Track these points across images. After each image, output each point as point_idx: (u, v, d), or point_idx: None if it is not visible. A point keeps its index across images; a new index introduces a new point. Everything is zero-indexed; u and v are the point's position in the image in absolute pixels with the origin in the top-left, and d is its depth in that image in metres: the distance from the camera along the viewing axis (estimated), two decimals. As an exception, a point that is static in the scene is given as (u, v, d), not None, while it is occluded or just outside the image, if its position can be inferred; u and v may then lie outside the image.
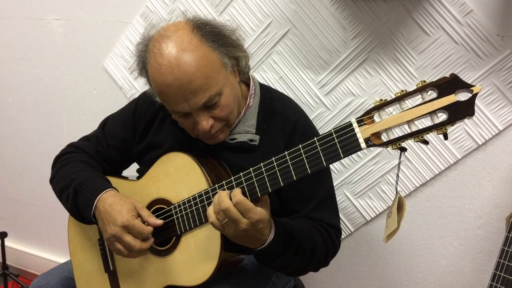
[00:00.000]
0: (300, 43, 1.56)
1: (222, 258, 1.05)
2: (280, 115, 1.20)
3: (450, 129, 0.76)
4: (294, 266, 1.08)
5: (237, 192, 0.95)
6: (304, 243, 1.06)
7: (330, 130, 0.86)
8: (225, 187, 1.02)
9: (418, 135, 0.78)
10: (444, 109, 0.75)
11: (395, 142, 0.80)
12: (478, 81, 1.37)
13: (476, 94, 0.73)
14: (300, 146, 0.90)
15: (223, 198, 0.94)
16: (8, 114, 2.30)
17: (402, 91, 0.79)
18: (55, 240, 2.39)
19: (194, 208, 1.08)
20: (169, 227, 1.14)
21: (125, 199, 1.14)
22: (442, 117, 0.76)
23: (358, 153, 1.57)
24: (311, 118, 1.34)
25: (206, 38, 1.04)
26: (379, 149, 1.53)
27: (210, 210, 0.97)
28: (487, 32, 1.33)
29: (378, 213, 1.59)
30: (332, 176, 1.30)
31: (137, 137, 1.31)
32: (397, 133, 0.82)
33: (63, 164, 1.30)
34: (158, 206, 1.17)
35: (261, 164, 0.96)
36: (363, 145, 0.83)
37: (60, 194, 1.26)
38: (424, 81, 0.77)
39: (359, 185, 1.59)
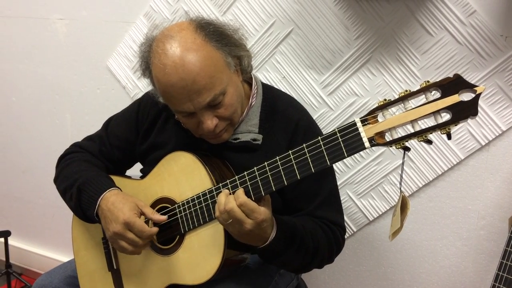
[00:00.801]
0: (303, 43, 1.56)
1: (226, 257, 1.05)
2: (282, 114, 1.21)
3: (453, 129, 0.76)
4: (297, 263, 1.09)
5: (240, 193, 0.96)
6: (306, 240, 1.06)
7: (334, 130, 0.86)
8: (229, 186, 1.02)
9: (422, 134, 0.78)
10: (447, 109, 0.75)
11: (399, 142, 0.81)
12: (482, 82, 1.37)
13: (480, 94, 0.73)
14: (304, 145, 0.90)
15: (228, 199, 0.96)
16: (12, 113, 2.31)
17: (406, 91, 0.79)
18: (58, 239, 2.39)
19: (198, 207, 1.09)
20: (172, 226, 1.14)
21: (128, 197, 1.14)
22: (446, 117, 0.76)
23: (361, 153, 1.57)
24: (314, 118, 1.34)
25: (209, 37, 1.05)
26: (382, 149, 1.54)
27: (216, 208, 0.99)
28: (491, 33, 1.33)
29: (380, 213, 1.59)
30: (335, 176, 1.30)
31: (140, 137, 1.32)
32: (401, 133, 0.82)
33: (67, 164, 1.30)
34: (162, 205, 1.17)
35: (265, 163, 0.96)
36: (367, 144, 0.83)
37: (64, 193, 1.27)
38: (428, 81, 0.77)
39: (362, 185, 1.59)
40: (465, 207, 1.47)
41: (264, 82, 1.31)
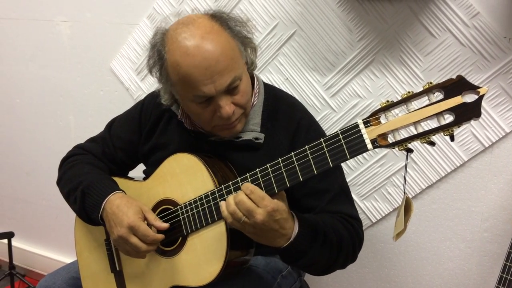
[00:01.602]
0: (306, 45, 1.56)
1: (228, 259, 1.05)
2: (284, 113, 1.21)
3: (456, 131, 0.76)
4: (323, 261, 1.06)
5: (247, 183, 0.96)
6: (329, 235, 1.04)
7: (337, 131, 0.86)
8: (231, 187, 1.02)
9: (425, 136, 0.78)
10: (450, 110, 0.75)
11: (402, 143, 0.81)
12: (485, 84, 1.36)
13: (483, 95, 0.73)
14: (306, 147, 0.90)
15: (237, 194, 0.95)
16: (15, 115, 2.32)
17: (409, 92, 0.79)
18: (61, 240, 2.40)
19: (200, 208, 1.09)
20: (175, 227, 1.14)
21: (132, 201, 1.14)
22: (449, 118, 0.76)
23: (364, 155, 1.57)
24: (316, 119, 1.34)
25: (224, 25, 1.08)
26: (385, 151, 1.53)
27: (226, 213, 0.97)
28: (494, 34, 1.32)
29: (384, 215, 1.59)
30: (343, 170, 1.29)
31: (143, 138, 1.32)
32: (404, 134, 0.82)
33: (70, 166, 1.30)
34: (165, 206, 1.18)
35: (268, 165, 0.96)
36: (369, 146, 0.83)
37: (68, 196, 1.27)
38: (431, 83, 0.77)
39: (365, 187, 1.59)
40: (469, 209, 1.46)
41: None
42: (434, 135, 0.77)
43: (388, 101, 0.81)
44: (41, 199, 2.38)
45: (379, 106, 0.83)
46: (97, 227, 1.30)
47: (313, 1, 1.51)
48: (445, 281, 1.55)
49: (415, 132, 0.79)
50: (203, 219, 1.08)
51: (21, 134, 2.33)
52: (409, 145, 0.80)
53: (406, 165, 0.84)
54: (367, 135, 0.83)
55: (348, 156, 0.86)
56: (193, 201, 1.10)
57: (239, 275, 1.17)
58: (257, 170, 0.98)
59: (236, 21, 1.12)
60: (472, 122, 0.74)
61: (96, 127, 1.45)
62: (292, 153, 0.92)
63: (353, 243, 1.10)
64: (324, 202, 1.14)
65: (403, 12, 1.40)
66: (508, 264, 1.29)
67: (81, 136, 1.44)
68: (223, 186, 1.05)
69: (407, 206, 0.90)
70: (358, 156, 1.55)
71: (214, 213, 1.06)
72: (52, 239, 2.44)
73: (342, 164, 1.57)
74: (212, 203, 1.06)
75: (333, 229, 1.06)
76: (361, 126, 0.84)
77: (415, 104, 0.80)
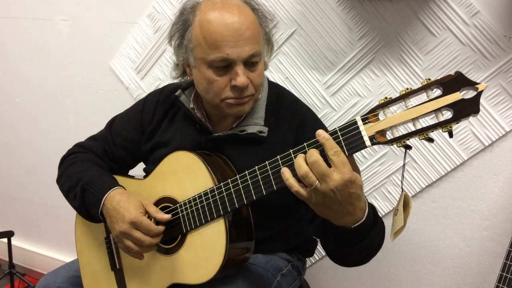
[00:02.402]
0: (306, 44, 1.56)
1: (228, 257, 1.04)
2: (287, 109, 1.22)
3: (454, 127, 0.76)
4: (375, 245, 1.01)
5: (332, 143, 0.84)
6: (377, 214, 1.00)
7: (335, 128, 0.86)
8: (231, 185, 1.02)
9: (423, 132, 0.78)
10: (449, 106, 0.75)
11: (400, 140, 0.80)
12: (485, 82, 1.36)
13: (481, 91, 0.73)
14: (305, 144, 0.90)
15: (311, 152, 0.85)
16: (15, 114, 2.32)
17: (407, 89, 0.79)
18: (61, 239, 2.40)
19: (199, 206, 1.09)
20: (174, 225, 1.14)
21: (132, 196, 1.14)
22: (447, 114, 0.76)
23: (364, 153, 1.57)
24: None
25: (255, 12, 1.12)
26: (385, 150, 1.53)
27: (291, 180, 0.88)
28: (494, 33, 1.32)
29: (383, 214, 1.59)
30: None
31: (144, 136, 1.32)
32: (402, 131, 0.82)
33: (70, 164, 1.31)
34: (164, 204, 1.18)
35: (266, 162, 0.96)
36: (367, 142, 0.83)
37: (68, 193, 1.27)
38: (429, 79, 0.77)
39: (365, 186, 1.58)
40: (469, 208, 1.46)
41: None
42: (432, 131, 0.77)
43: (386, 98, 0.81)
44: (41, 198, 2.39)
45: (378, 103, 0.83)
46: (97, 225, 1.30)
47: (313, 0, 1.51)
48: (445, 279, 1.55)
49: (414, 129, 0.79)
50: (202, 216, 1.08)
51: (21, 133, 2.33)
52: (408, 142, 0.80)
53: (404, 161, 0.84)
54: (365, 131, 0.83)
55: (347, 153, 0.85)
56: (193, 199, 1.10)
57: (238, 273, 1.17)
58: (256, 168, 0.98)
59: (265, 17, 1.15)
60: (472, 120, 0.74)
61: (96, 126, 1.45)
62: (291, 150, 0.92)
63: (384, 226, 1.05)
64: None
65: (403, 10, 1.40)
66: (508, 262, 1.29)
67: (80, 135, 1.44)
68: (222, 184, 1.05)
69: (405, 203, 0.90)
70: (358, 155, 1.56)
71: (214, 211, 1.06)
72: (51, 238, 2.44)
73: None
74: (211, 200, 1.06)
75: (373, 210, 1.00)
76: (360, 123, 0.84)
77: (413, 100, 0.80)
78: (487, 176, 1.42)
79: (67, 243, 2.37)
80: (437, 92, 0.76)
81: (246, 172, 1.00)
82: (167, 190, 1.17)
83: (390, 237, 0.93)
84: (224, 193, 1.04)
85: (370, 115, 0.83)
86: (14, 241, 2.28)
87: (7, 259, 2.22)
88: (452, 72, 1.37)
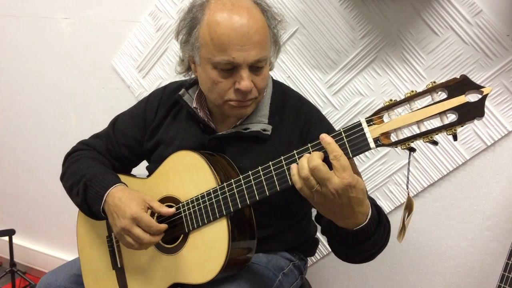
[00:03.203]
0: (308, 43, 1.56)
1: (230, 257, 1.05)
2: (292, 107, 1.22)
3: (459, 130, 0.76)
4: (379, 245, 1.01)
5: (334, 146, 0.85)
6: (381, 212, 1.00)
7: (339, 129, 0.86)
8: (234, 185, 1.02)
9: (428, 135, 0.77)
10: (454, 110, 0.75)
11: (405, 142, 0.80)
12: (488, 82, 1.36)
13: (486, 95, 0.73)
14: (309, 145, 0.90)
15: (312, 157, 0.85)
16: (17, 112, 2.32)
17: (412, 91, 0.79)
18: (62, 237, 2.40)
19: (202, 206, 1.09)
20: (177, 224, 1.14)
21: (134, 193, 1.14)
22: (452, 117, 0.76)
23: (366, 153, 1.57)
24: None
25: (264, 14, 1.11)
26: (386, 150, 1.53)
27: (296, 177, 0.88)
28: (497, 33, 1.32)
29: (385, 213, 1.59)
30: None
31: (147, 134, 1.32)
32: (406, 133, 0.82)
33: (73, 161, 1.31)
34: (167, 204, 1.17)
35: (270, 163, 0.96)
36: (372, 144, 0.83)
37: (70, 189, 1.27)
38: (434, 82, 0.77)
39: (366, 186, 1.59)
40: (470, 208, 1.46)
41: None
42: (437, 134, 0.77)
43: (391, 100, 0.81)
44: (42, 197, 2.39)
45: (382, 105, 0.83)
46: (99, 224, 1.30)
47: (315, -2, 1.51)
48: (447, 279, 1.55)
49: (418, 131, 0.79)
50: (205, 216, 1.08)
51: (22, 132, 2.33)
52: (412, 144, 0.80)
53: (409, 164, 0.84)
54: (369, 133, 0.83)
55: (351, 155, 0.85)
56: (195, 198, 1.10)
57: (240, 272, 1.17)
58: (259, 168, 0.98)
59: (274, 19, 1.14)
60: (475, 121, 0.74)
61: (98, 125, 1.45)
62: (295, 151, 0.92)
63: (389, 223, 1.06)
64: None
65: (406, 10, 1.40)
66: (510, 262, 1.29)
67: (82, 134, 1.44)
68: (225, 184, 1.05)
69: (408, 205, 0.90)
70: (360, 155, 1.56)
71: (216, 211, 1.06)
72: (53, 237, 2.44)
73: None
74: (214, 200, 1.06)
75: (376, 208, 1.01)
76: (364, 124, 0.83)
77: (418, 103, 0.80)
78: (489, 176, 1.42)
79: (68, 241, 2.37)
80: (442, 95, 0.76)
81: (250, 172, 1.00)
82: (170, 189, 1.17)
83: (397, 238, 0.93)
84: (227, 193, 1.04)
85: (375, 117, 0.83)
86: (15, 239, 2.29)
87: (8, 257, 2.22)
88: (454, 71, 1.39)
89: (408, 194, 0.88)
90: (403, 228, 0.90)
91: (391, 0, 1.41)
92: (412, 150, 0.81)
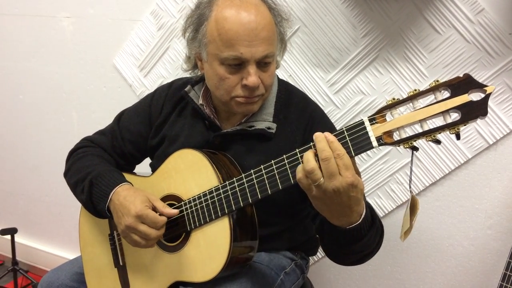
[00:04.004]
0: (310, 41, 1.56)
1: (232, 255, 1.05)
2: (296, 106, 1.23)
3: (462, 129, 0.76)
4: (371, 248, 1.01)
5: (337, 144, 0.85)
6: (377, 220, 1.00)
7: (342, 128, 0.86)
8: (236, 184, 1.03)
9: (431, 134, 0.77)
10: (457, 108, 0.74)
11: (407, 141, 0.80)
12: (490, 80, 1.36)
13: (490, 94, 0.73)
14: (311, 144, 0.90)
15: (325, 148, 0.84)
16: (18, 111, 2.32)
17: (415, 90, 0.79)
18: (64, 236, 2.41)
19: (204, 204, 1.09)
20: (179, 223, 1.14)
21: (139, 191, 1.14)
22: (455, 116, 0.76)
23: (367, 152, 1.56)
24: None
25: (271, 12, 1.12)
26: (388, 148, 1.53)
27: (299, 167, 0.87)
28: (499, 31, 1.32)
29: (387, 212, 1.59)
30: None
31: (152, 130, 1.32)
32: (409, 132, 0.82)
33: (78, 158, 1.30)
34: (169, 202, 1.17)
35: (272, 161, 0.96)
36: (374, 143, 0.83)
37: (75, 186, 1.26)
38: (437, 81, 0.76)
39: (368, 184, 1.59)
40: (472, 206, 1.46)
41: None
42: (440, 133, 0.77)
43: (394, 99, 0.81)
44: (44, 195, 2.39)
45: (385, 104, 0.83)
46: (101, 222, 1.30)
47: (317, -3, 1.51)
48: (448, 278, 1.55)
49: (421, 130, 0.78)
50: (207, 215, 1.08)
51: (24, 130, 2.33)
52: (415, 143, 0.80)
53: (411, 163, 0.83)
54: (372, 132, 0.83)
55: (353, 153, 0.85)
56: (197, 197, 1.10)
57: (242, 271, 1.17)
58: (262, 167, 0.98)
59: (280, 13, 1.15)
60: (478, 120, 0.73)
61: (99, 124, 1.45)
62: (297, 150, 0.92)
63: (382, 226, 1.06)
64: None
65: (408, 8, 1.40)
66: (512, 261, 1.29)
67: (83, 132, 1.44)
68: (227, 182, 1.05)
69: (413, 205, 0.90)
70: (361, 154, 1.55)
71: (218, 209, 1.06)
72: (55, 235, 2.45)
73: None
74: (216, 199, 1.06)
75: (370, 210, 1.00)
76: (367, 123, 0.83)
77: (421, 102, 0.80)
78: (491, 175, 1.42)
79: (70, 240, 2.37)
80: (445, 93, 0.76)
81: (252, 171, 1.00)
82: (172, 187, 1.18)
83: (400, 237, 0.93)
84: (229, 192, 1.04)
85: (377, 116, 0.83)
86: (18, 238, 2.29)
87: (10, 256, 2.23)
88: (456, 70, 1.39)
89: (412, 193, 0.88)
90: (409, 229, 0.90)
91: (393, -1, 1.41)
92: (415, 149, 0.81)
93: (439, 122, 0.77)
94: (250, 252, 1.14)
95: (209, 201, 1.08)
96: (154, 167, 1.28)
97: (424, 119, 0.78)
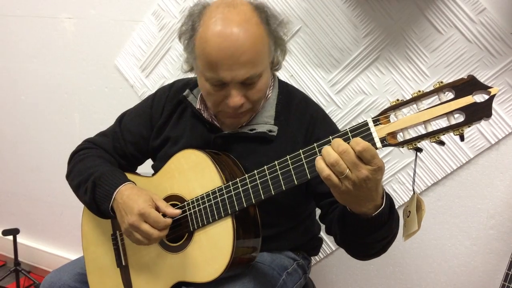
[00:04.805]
0: (311, 42, 1.56)
1: (234, 255, 1.05)
2: (297, 107, 1.23)
3: (466, 131, 0.76)
4: (394, 231, 1.00)
5: (358, 139, 0.83)
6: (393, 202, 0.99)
7: (346, 129, 0.86)
8: (239, 184, 1.03)
9: (435, 135, 0.77)
10: (461, 110, 0.75)
11: (411, 142, 0.80)
12: (491, 80, 1.36)
13: (494, 95, 0.73)
14: (315, 144, 0.90)
15: (338, 142, 0.83)
16: (20, 112, 2.32)
17: (419, 91, 0.79)
18: (66, 236, 2.41)
19: (207, 204, 1.09)
20: (182, 223, 1.15)
21: (142, 190, 1.14)
22: (459, 118, 0.76)
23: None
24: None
25: (264, 20, 1.08)
26: (390, 148, 1.53)
27: (322, 164, 0.84)
28: (501, 30, 1.32)
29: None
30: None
31: (154, 132, 1.32)
32: (413, 133, 0.82)
33: (80, 159, 1.30)
34: (172, 202, 1.18)
35: (276, 162, 0.96)
36: (378, 144, 0.83)
37: (78, 188, 1.26)
38: (441, 82, 0.76)
39: (370, 184, 1.59)
40: (475, 206, 1.46)
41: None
42: (444, 134, 0.77)
43: (398, 100, 0.81)
44: (46, 196, 2.39)
45: (388, 104, 0.83)
46: (104, 222, 1.30)
47: (318, -3, 1.51)
48: (450, 278, 1.55)
49: (425, 131, 0.79)
50: (210, 215, 1.09)
51: (26, 131, 2.34)
52: (418, 145, 0.80)
53: (415, 164, 0.84)
54: (376, 133, 0.83)
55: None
56: (200, 197, 1.10)
57: (245, 271, 1.17)
58: (265, 167, 0.98)
59: (276, 19, 1.12)
60: (482, 121, 0.73)
61: (101, 124, 1.45)
62: (301, 151, 0.92)
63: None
64: None
65: (409, 8, 1.40)
66: (514, 261, 1.29)
67: (85, 133, 1.44)
68: (230, 183, 1.05)
69: (417, 205, 0.90)
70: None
71: (221, 210, 1.06)
72: (57, 236, 2.45)
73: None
74: (219, 199, 1.07)
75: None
76: (371, 124, 0.83)
77: (425, 103, 0.80)
78: (493, 175, 1.42)
79: (72, 240, 2.37)
80: (449, 95, 0.76)
81: (255, 171, 1.00)
82: (175, 188, 1.18)
83: (402, 237, 0.93)
84: (233, 192, 1.04)
85: (381, 117, 0.83)
86: (20, 238, 2.29)
87: (12, 256, 2.23)
88: (458, 70, 1.39)
89: (415, 193, 0.88)
90: (416, 230, 0.90)
91: (395, -1, 1.41)
92: (418, 150, 0.81)
93: (443, 123, 0.77)
94: (253, 253, 1.14)
95: (212, 202, 1.08)
96: (156, 168, 1.28)
97: (428, 120, 0.78)
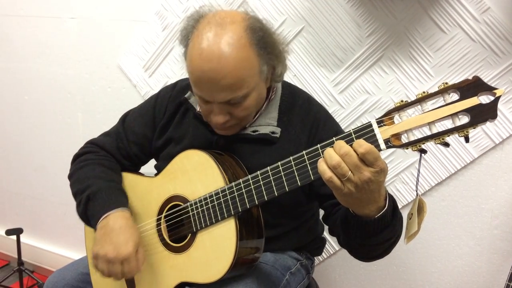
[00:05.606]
0: (315, 41, 1.55)
1: (238, 256, 1.05)
2: (300, 108, 1.22)
3: (471, 132, 0.75)
4: (397, 232, 0.99)
5: (360, 140, 0.83)
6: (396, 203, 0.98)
7: (350, 130, 0.86)
8: (242, 185, 1.02)
9: (439, 137, 0.77)
10: (466, 111, 0.74)
11: (416, 144, 0.80)
12: (495, 80, 1.35)
13: (499, 97, 0.72)
14: (318, 146, 0.90)
15: (339, 144, 0.83)
16: (24, 112, 2.32)
17: (424, 92, 0.79)
18: (69, 236, 2.41)
19: (210, 205, 1.09)
20: (184, 224, 1.15)
21: (135, 231, 1.13)
22: (464, 119, 0.76)
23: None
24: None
25: (255, 42, 1.04)
26: (394, 148, 1.52)
27: (324, 167, 0.85)
28: (505, 30, 1.31)
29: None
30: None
31: (157, 132, 1.32)
32: (417, 135, 0.81)
33: (81, 166, 1.30)
34: (174, 203, 1.18)
35: (279, 163, 0.96)
36: (382, 146, 0.83)
37: (75, 196, 1.27)
38: (446, 83, 0.76)
39: (373, 184, 1.58)
40: (479, 206, 1.46)
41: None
42: (448, 136, 0.76)
43: (402, 101, 0.81)
44: (49, 196, 2.40)
45: (392, 105, 0.83)
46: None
47: (321, -4, 1.51)
48: (454, 278, 1.55)
49: (429, 133, 0.78)
50: (213, 216, 1.08)
51: (29, 131, 2.34)
52: (423, 146, 0.80)
53: (419, 165, 0.83)
54: (380, 134, 0.83)
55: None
56: (203, 198, 1.10)
57: (248, 272, 1.17)
58: (268, 168, 0.98)
59: (271, 38, 1.09)
60: (487, 122, 0.73)
61: (104, 124, 1.45)
62: (304, 152, 0.92)
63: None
64: None
65: (413, 7, 1.39)
66: (519, 261, 1.28)
67: (88, 133, 1.44)
68: (233, 183, 1.05)
69: (419, 208, 0.90)
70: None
71: (224, 210, 1.06)
72: (60, 235, 2.45)
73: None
74: (222, 200, 1.06)
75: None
76: (375, 125, 0.83)
77: (430, 104, 0.79)
78: (497, 174, 1.41)
79: (75, 240, 2.38)
80: (454, 96, 0.76)
81: (258, 172, 1.00)
82: (178, 188, 1.18)
83: (404, 240, 0.93)
84: (236, 193, 1.04)
85: (385, 118, 0.82)
86: (23, 238, 2.30)
87: (16, 256, 2.23)
88: (462, 69, 1.39)
89: (418, 195, 0.88)
90: (416, 232, 0.89)
91: (398, -2, 1.40)
92: (423, 151, 0.81)
93: (448, 124, 0.77)
94: (256, 253, 1.14)
95: (215, 202, 1.08)
96: (159, 168, 1.28)
97: (433, 122, 0.78)
